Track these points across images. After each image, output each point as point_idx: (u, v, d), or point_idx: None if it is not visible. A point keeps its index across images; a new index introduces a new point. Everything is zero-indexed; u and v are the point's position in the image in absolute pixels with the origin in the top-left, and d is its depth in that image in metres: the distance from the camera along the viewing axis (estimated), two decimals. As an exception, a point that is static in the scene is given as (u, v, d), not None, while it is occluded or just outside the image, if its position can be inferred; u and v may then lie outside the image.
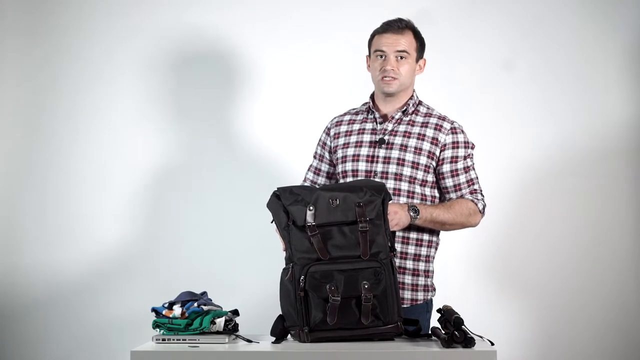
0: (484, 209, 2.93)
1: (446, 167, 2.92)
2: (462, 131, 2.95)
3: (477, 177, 2.96)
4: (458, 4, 3.94)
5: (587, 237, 3.89)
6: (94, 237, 3.92)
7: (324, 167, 3.09)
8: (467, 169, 2.93)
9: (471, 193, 2.92)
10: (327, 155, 3.08)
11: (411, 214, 2.77)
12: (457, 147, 2.93)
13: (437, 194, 2.96)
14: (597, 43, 3.91)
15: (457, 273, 3.84)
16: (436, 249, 2.98)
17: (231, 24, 3.97)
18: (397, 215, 2.73)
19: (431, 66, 3.84)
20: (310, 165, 3.13)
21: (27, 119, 3.99)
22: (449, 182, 2.93)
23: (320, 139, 3.11)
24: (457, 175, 2.92)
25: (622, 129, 3.90)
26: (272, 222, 2.62)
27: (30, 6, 4.00)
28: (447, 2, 3.94)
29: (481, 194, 2.94)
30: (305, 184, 3.08)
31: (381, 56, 2.92)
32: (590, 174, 3.90)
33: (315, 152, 3.11)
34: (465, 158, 2.93)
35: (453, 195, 2.93)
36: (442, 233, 2.99)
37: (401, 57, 2.92)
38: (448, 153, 2.92)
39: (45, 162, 3.97)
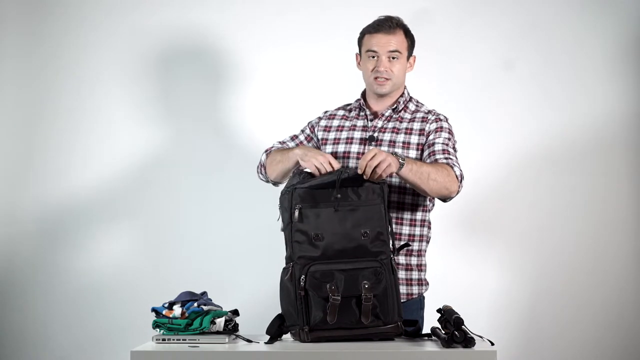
0: (461, 176, 2.79)
1: (426, 145, 2.88)
2: (447, 121, 2.92)
3: (455, 153, 2.85)
4: (458, 4, 3.94)
5: (588, 236, 3.89)
6: (94, 238, 3.92)
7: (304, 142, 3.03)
8: (445, 144, 2.85)
9: (446, 159, 2.80)
10: (310, 134, 3.03)
11: (400, 161, 2.62)
12: (440, 131, 2.89)
13: None
14: (596, 41, 3.91)
15: (457, 273, 3.84)
16: (427, 242, 2.95)
17: (223, 22, 3.96)
18: (389, 158, 2.57)
19: (431, 65, 3.85)
20: (294, 136, 3.05)
21: (26, 119, 3.99)
22: (425, 154, 2.86)
23: (310, 122, 3.06)
24: (433, 145, 2.85)
25: (622, 127, 3.90)
26: (278, 220, 2.62)
27: (28, 6, 3.99)
28: (447, 2, 3.94)
29: (458, 165, 2.80)
30: (278, 145, 3.01)
31: (373, 57, 2.91)
32: (590, 172, 3.89)
33: (303, 130, 3.05)
34: (447, 139, 2.87)
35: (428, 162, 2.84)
36: (433, 227, 2.96)
37: (393, 58, 2.90)
38: (431, 136, 2.89)
39: (44, 163, 3.97)
